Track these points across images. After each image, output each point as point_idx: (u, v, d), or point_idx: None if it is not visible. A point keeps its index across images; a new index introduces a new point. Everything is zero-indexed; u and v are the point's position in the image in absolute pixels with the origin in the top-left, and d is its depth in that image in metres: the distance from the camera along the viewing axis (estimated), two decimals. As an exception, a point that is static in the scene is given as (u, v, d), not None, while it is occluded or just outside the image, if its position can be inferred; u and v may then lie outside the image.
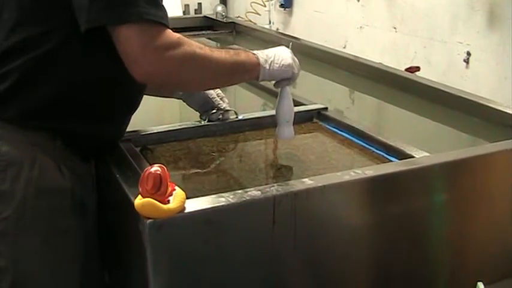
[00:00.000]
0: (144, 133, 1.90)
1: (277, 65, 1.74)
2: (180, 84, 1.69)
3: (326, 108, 2.12)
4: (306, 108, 2.11)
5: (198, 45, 1.60)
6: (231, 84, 1.91)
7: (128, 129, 1.80)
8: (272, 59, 1.74)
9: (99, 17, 1.47)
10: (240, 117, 2.02)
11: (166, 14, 1.55)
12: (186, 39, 1.58)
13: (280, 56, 1.76)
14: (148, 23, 1.48)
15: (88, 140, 1.67)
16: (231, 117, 2.01)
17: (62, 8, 1.51)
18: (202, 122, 1.97)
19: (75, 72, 1.58)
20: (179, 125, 1.96)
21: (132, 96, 1.72)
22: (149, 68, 1.51)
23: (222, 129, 1.99)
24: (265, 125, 2.01)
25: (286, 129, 1.82)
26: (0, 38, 1.59)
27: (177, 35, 1.56)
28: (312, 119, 2.10)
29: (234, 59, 1.68)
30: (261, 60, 1.73)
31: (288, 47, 1.82)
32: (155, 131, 1.92)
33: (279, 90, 1.83)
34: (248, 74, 1.74)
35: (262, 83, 1.99)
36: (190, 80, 1.64)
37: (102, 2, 1.46)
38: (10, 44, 1.57)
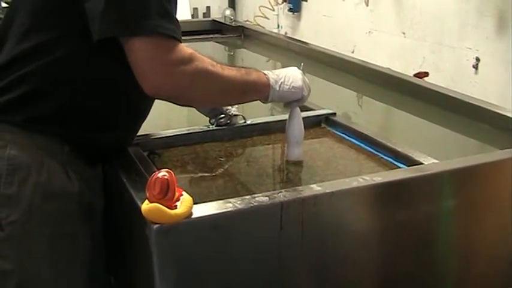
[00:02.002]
0: (152, 137, 1.89)
1: (287, 87, 1.74)
2: (189, 100, 1.69)
3: (334, 114, 2.12)
4: (314, 114, 2.11)
5: (210, 62, 1.60)
6: (240, 103, 1.91)
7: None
8: (282, 80, 1.74)
9: (112, 27, 1.47)
10: (248, 122, 2.01)
11: (179, 27, 1.54)
12: (198, 55, 1.57)
13: (291, 77, 1.76)
14: (161, 37, 1.48)
15: (96, 147, 1.67)
16: (239, 122, 2.00)
17: (75, 16, 1.51)
18: (211, 127, 1.97)
19: (86, 80, 1.58)
20: (187, 130, 1.96)
21: (142, 105, 1.72)
22: (159, 82, 1.51)
23: (230, 134, 1.98)
24: (273, 130, 2.00)
25: (296, 150, 1.82)
26: (13, 43, 1.59)
27: (190, 50, 1.56)
28: (320, 124, 2.09)
29: (244, 78, 1.68)
30: (271, 81, 1.73)
31: (299, 67, 1.82)
32: (163, 136, 1.92)
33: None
34: (257, 94, 1.74)
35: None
36: (199, 97, 1.64)
37: (115, 12, 1.46)
38: (22, 49, 1.57)
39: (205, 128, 1.97)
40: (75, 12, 1.50)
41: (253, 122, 2.02)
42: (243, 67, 1.73)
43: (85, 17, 1.49)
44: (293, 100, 1.79)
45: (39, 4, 1.57)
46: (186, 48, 1.55)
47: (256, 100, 1.78)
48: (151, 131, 1.91)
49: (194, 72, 1.55)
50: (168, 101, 1.63)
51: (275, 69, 3.05)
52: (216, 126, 1.97)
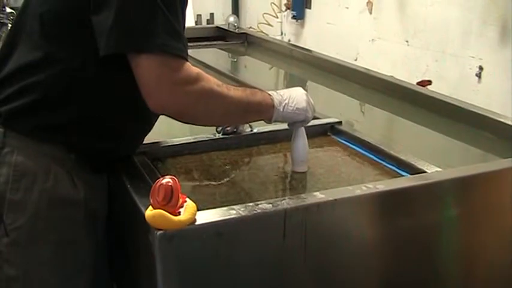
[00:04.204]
0: (158, 146, 1.89)
1: (291, 108, 1.75)
2: (193, 119, 1.68)
3: (340, 122, 2.12)
4: (320, 122, 2.11)
5: (216, 82, 1.61)
6: (244, 123, 1.93)
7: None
8: (286, 101, 1.75)
9: (119, 44, 1.47)
10: (254, 130, 2.01)
11: (187, 46, 1.55)
12: (205, 74, 1.58)
13: (295, 98, 1.76)
14: (168, 56, 1.48)
15: (102, 155, 1.68)
16: (246, 130, 2.00)
17: (84, 28, 1.51)
18: (217, 135, 1.96)
19: (94, 92, 1.58)
20: (194, 138, 1.95)
21: (148, 118, 1.71)
22: (164, 100, 1.52)
23: (237, 142, 1.98)
24: (279, 139, 1.99)
25: (301, 168, 1.83)
26: (23, 50, 1.59)
27: (197, 69, 1.56)
28: (326, 133, 2.09)
29: (249, 99, 1.68)
30: (275, 102, 1.73)
31: (304, 87, 1.82)
32: (170, 144, 1.91)
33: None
34: (261, 115, 1.75)
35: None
36: (204, 116, 1.64)
37: (123, 29, 1.46)
38: (32, 57, 1.57)
39: (212, 137, 1.96)
40: (84, 25, 1.50)
41: (260, 131, 2.01)
42: (248, 87, 1.74)
43: (93, 29, 1.49)
44: (297, 121, 1.80)
45: (49, 14, 1.56)
46: (193, 67, 1.56)
47: (260, 120, 1.80)
48: (158, 138, 1.90)
49: (199, 92, 1.55)
50: (172, 118, 1.63)
51: (278, 76, 3.06)
52: (222, 134, 1.97)
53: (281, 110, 1.74)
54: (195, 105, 1.57)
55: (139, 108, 1.57)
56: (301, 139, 1.82)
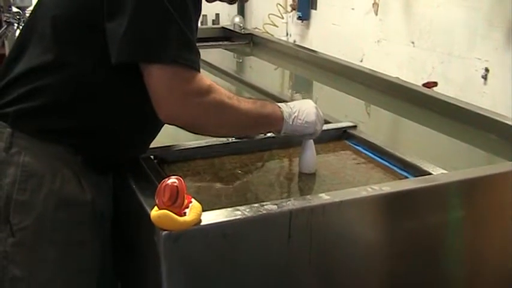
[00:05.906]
0: (169, 150, 1.89)
1: (300, 121, 1.76)
2: (203, 130, 1.69)
3: (355, 127, 2.11)
4: (334, 126, 2.10)
5: (228, 94, 1.61)
6: (254, 135, 1.94)
7: (153, 144, 1.80)
8: (296, 114, 1.75)
9: (131, 53, 1.47)
10: (268, 134, 1.99)
11: (199, 57, 1.55)
12: (216, 86, 1.59)
13: (305, 111, 1.77)
14: (180, 67, 1.48)
15: (109, 158, 1.68)
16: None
17: (96, 33, 1.51)
18: (230, 139, 1.95)
19: (102, 96, 1.58)
20: (205, 142, 1.94)
21: (155, 122, 1.69)
22: (174, 111, 1.52)
23: (249, 146, 1.97)
24: (292, 144, 1.97)
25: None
26: (35, 53, 1.59)
27: (208, 81, 1.57)
28: (340, 137, 2.08)
29: (259, 111, 1.70)
30: (285, 115, 1.74)
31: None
32: (181, 148, 1.91)
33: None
34: (271, 127, 1.77)
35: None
36: (214, 127, 1.66)
37: (135, 38, 1.46)
38: (43, 60, 1.57)
39: (225, 141, 1.95)
40: (96, 30, 1.50)
41: (273, 135, 1.99)
42: (258, 99, 1.74)
43: (105, 36, 1.49)
44: (306, 134, 1.80)
45: (61, 17, 1.56)
46: (205, 79, 1.56)
47: (270, 132, 1.81)
48: (172, 142, 1.90)
49: (210, 104, 1.56)
50: (182, 128, 1.63)
51: (283, 76, 3.05)
52: (235, 138, 1.96)
53: (290, 123, 1.75)
54: (205, 117, 1.58)
55: (147, 114, 1.57)
56: (310, 151, 1.82)
